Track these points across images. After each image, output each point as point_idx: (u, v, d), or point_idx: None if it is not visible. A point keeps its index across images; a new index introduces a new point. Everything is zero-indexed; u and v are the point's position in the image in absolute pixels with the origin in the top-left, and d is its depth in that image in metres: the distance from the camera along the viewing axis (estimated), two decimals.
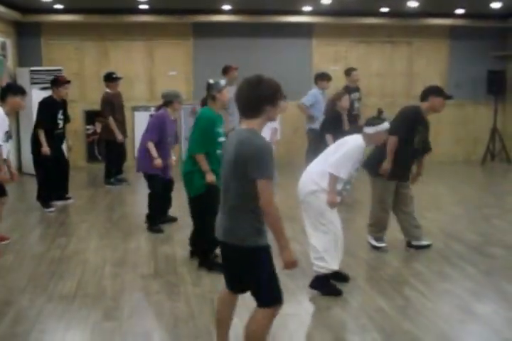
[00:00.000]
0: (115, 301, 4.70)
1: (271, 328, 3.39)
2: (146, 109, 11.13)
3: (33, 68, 10.32)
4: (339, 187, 4.89)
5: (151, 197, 6.90)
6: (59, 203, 8.00)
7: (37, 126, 7.72)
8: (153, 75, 11.51)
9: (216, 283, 4.97)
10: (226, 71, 9.51)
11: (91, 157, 11.44)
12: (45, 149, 7.54)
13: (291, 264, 3.21)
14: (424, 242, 6.13)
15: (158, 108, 6.91)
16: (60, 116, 7.86)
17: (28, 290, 4.92)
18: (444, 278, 5.29)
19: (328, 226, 4.86)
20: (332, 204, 4.83)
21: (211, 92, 5.50)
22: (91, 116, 11.20)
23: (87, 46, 11.29)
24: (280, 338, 4.04)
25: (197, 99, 11.40)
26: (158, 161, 6.63)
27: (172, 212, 7.22)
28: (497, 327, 4.23)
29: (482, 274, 5.37)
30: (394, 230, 6.72)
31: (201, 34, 11.49)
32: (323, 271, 4.87)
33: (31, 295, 4.81)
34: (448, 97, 5.98)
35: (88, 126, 11.33)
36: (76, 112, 11.01)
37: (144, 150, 6.73)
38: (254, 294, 3.32)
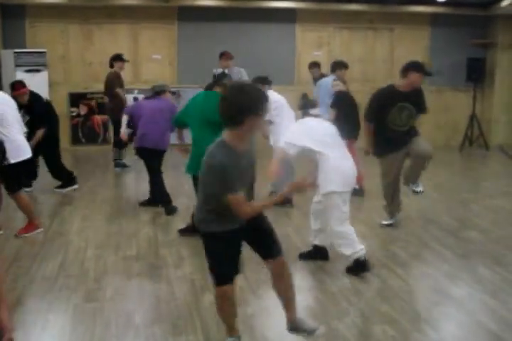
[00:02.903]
0: (97, 283, 4.75)
1: (226, 307, 3.53)
2: (129, 91, 11.11)
3: (17, 50, 10.24)
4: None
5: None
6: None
7: None
8: (138, 58, 11.48)
9: (197, 264, 5.05)
10: (220, 57, 9.35)
11: (75, 139, 11.41)
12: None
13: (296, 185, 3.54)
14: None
15: (151, 97, 7.15)
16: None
17: (10, 272, 4.94)
18: (420, 261, 5.41)
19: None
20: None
21: (223, 81, 5.83)
22: (75, 99, 11.16)
23: (72, 29, 11.23)
24: (258, 321, 4.13)
25: (180, 82, 11.52)
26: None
27: None
28: (471, 309, 4.35)
29: (458, 258, 5.49)
30: (371, 211, 6.86)
31: (186, 18, 11.46)
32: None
33: (14, 276, 4.84)
34: (427, 74, 6.10)
35: (72, 109, 11.29)
36: (61, 95, 10.98)
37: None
38: None
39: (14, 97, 6.63)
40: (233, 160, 3.16)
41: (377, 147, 6.28)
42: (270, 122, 6.96)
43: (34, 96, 7.46)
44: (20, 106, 6.79)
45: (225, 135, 3.24)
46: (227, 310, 3.53)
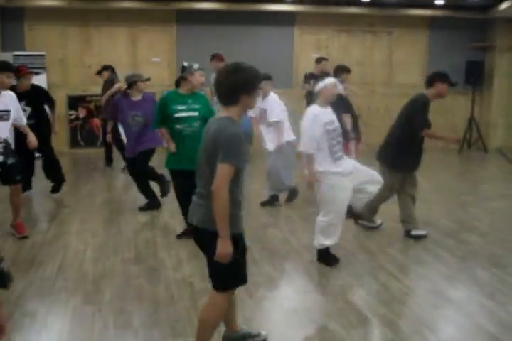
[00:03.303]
0: (96, 285, 4.74)
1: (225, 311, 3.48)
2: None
3: (16, 53, 10.26)
4: (331, 157, 5.08)
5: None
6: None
7: None
8: (136, 61, 11.50)
9: (196, 267, 5.04)
10: (211, 58, 9.59)
11: (74, 142, 11.41)
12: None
13: (223, 256, 3.12)
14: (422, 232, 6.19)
15: (124, 92, 7.25)
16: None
17: None
18: (419, 264, 5.41)
19: None
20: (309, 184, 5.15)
21: (183, 74, 5.78)
22: (74, 102, 11.17)
23: (71, 32, 11.25)
24: (257, 321, 4.12)
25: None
26: (108, 136, 7.78)
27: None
28: (470, 311, 4.35)
29: (457, 260, 5.49)
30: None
31: (185, 21, 11.49)
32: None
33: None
34: (452, 84, 6.02)
35: (71, 112, 11.30)
36: (59, 97, 10.97)
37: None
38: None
39: (19, 80, 6.90)
40: (242, 134, 3.17)
41: (401, 160, 5.99)
42: (278, 122, 6.99)
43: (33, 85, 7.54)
44: (20, 98, 6.58)
45: (225, 112, 3.23)
46: (220, 317, 3.43)
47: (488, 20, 12.22)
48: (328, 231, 5.18)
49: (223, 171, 3.06)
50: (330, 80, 5.21)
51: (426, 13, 11.99)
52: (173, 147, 5.79)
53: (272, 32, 11.81)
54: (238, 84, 3.13)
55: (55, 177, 7.93)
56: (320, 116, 5.07)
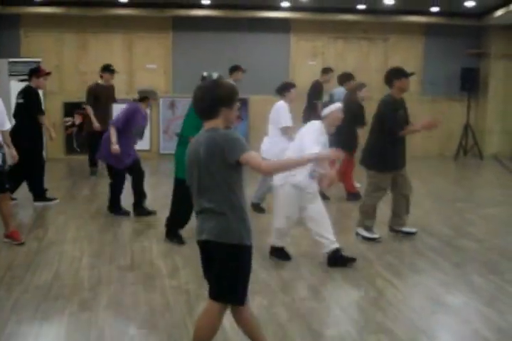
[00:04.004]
0: (92, 292, 4.72)
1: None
2: (124, 101, 11.11)
3: (11, 59, 10.26)
4: (306, 172, 5.18)
5: (110, 186, 7.22)
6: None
7: (37, 112, 7.50)
8: (133, 68, 11.52)
9: (192, 274, 5.03)
10: (232, 71, 9.27)
11: (69, 149, 11.41)
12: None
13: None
14: (408, 229, 6.39)
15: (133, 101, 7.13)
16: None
17: (4, 281, 4.92)
18: (415, 271, 5.41)
19: None
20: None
21: None
22: (70, 108, 11.17)
23: (67, 38, 11.26)
24: None
25: (176, 92, 11.55)
26: (115, 147, 6.78)
27: (151, 205, 7.28)
28: (466, 318, 4.35)
29: (453, 267, 5.49)
30: None
31: (180, 28, 11.51)
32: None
33: (8, 286, 4.81)
34: (409, 74, 6.13)
35: (67, 118, 11.29)
36: (55, 104, 11.00)
37: (108, 139, 6.91)
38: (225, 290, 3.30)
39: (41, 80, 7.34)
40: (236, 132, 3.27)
41: (384, 161, 6.10)
42: (287, 128, 7.00)
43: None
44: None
45: (209, 125, 3.24)
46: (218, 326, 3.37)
47: (483, 27, 12.28)
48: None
49: (250, 158, 3.11)
50: (336, 106, 5.40)
51: (421, 20, 12.05)
52: None
53: (268, 39, 11.84)
54: (217, 99, 3.19)
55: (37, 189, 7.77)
56: (322, 132, 5.29)
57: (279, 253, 5.61)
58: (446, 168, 11.55)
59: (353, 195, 8.06)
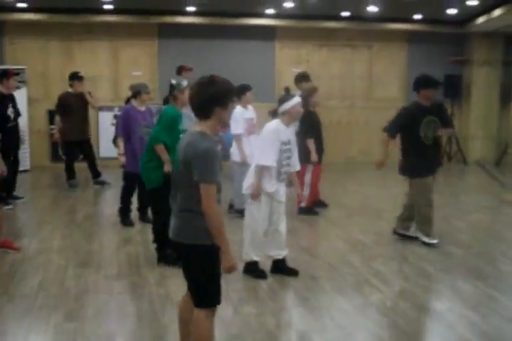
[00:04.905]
0: (78, 302, 4.69)
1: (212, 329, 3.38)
2: (110, 109, 11.11)
3: None
4: (272, 174, 5.11)
5: (122, 189, 7.09)
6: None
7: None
8: (118, 76, 11.50)
9: (180, 283, 5.01)
10: (179, 71, 9.37)
11: (55, 157, 11.34)
12: None
13: (228, 269, 3.18)
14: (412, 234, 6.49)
15: (127, 101, 7.12)
16: (11, 109, 7.78)
17: None
18: (402, 277, 5.43)
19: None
20: (254, 196, 5.12)
21: (173, 92, 5.71)
22: (55, 116, 11.11)
23: (52, 46, 11.23)
24: (242, 338, 4.09)
25: (162, 99, 11.50)
26: (121, 158, 6.82)
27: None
28: (452, 323, 4.37)
29: (439, 273, 5.52)
30: (355, 232, 6.88)
31: (166, 35, 11.52)
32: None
33: None
34: (438, 85, 6.38)
35: (52, 126, 11.24)
36: (40, 112, 10.94)
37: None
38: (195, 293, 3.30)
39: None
40: (216, 148, 3.16)
41: (412, 168, 6.24)
42: (237, 135, 7.10)
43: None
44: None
45: (198, 127, 3.20)
46: (212, 331, 3.35)
47: (465, 34, 12.41)
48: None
49: (207, 191, 3.05)
50: (296, 100, 5.25)
51: (405, 27, 12.16)
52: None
53: (253, 46, 11.89)
54: (212, 97, 3.12)
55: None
56: (280, 133, 5.13)
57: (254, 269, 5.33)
58: None
59: (318, 203, 8.01)
